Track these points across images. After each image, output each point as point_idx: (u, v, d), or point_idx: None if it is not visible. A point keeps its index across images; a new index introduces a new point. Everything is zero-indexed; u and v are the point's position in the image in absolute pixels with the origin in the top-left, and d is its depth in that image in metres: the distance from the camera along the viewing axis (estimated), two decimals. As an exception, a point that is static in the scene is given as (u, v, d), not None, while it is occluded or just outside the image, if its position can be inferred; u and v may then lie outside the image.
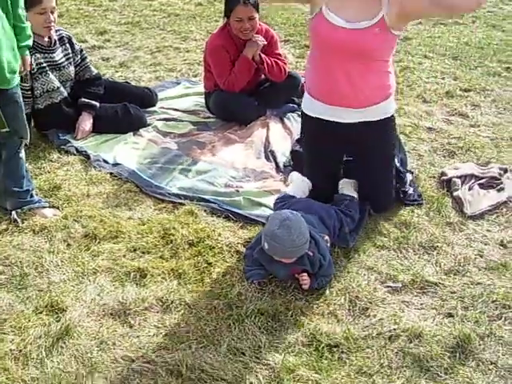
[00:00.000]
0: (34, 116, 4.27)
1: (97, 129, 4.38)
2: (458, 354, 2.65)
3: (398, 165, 3.71)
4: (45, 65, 4.15)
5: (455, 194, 3.74)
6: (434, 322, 2.84)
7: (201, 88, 5.01)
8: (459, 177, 3.86)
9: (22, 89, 3.94)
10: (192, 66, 5.81)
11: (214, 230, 3.41)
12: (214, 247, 3.29)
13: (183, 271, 3.13)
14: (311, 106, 3.42)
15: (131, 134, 4.40)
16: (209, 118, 4.70)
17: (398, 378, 2.54)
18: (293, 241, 2.90)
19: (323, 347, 2.68)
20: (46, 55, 4.18)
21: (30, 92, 4.13)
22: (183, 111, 4.78)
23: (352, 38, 3.11)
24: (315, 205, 3.34)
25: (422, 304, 2.95)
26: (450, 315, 2.88)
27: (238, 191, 3.77)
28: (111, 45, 6.34)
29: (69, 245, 3.34)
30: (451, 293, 3.02)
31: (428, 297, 3.00)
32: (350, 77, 3.20)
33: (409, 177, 3.83)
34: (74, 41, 4.44)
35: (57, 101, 4.26)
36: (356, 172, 3.54)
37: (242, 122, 4.56)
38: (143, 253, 3.28)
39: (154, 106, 4.79)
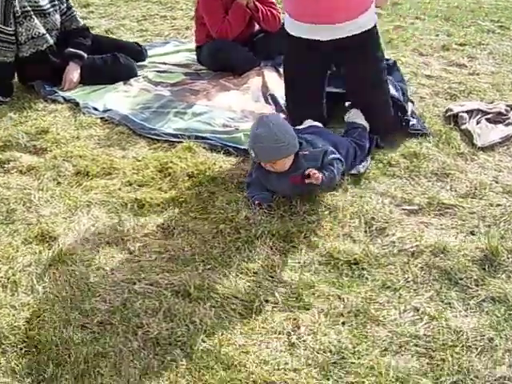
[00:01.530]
0: (19, 66, 3.94)
1: (85, 80, 4.06)
2: (486, 267, 2.38)
3: (395, 93, 3.43)
4: (29, 8, 3.83)
5: (463, 127, 3.48)
6: (457, 239, 2.55)
7: (191, 45, 4.71)
8: (466, 111, 3.59)
9: (5, 33, 3.66)
10: (180, 31, 5.50)
11: (214, 163, 3.12)
12: (215, 178, 3.00)
13: (184, 200, 2.83)
14: (292, 25, 3.24)
15: (121, 83, 4.08)
16: (201, 70, 4.39)
17: (425, 292, 2.26)
18: (275, 135, 2.65)
19: (342, 264, 2.40)
20: (31, -1, 3.86)
21: (13, 37, 3.82)
22: (174, 64, 4.47)
23: None
24: (328, 133, 3.05)
25: (441, 224, 2.67)
26: (473, 233, 2.61)
27: (237, 129, 3.46)
28: (95, 16, 6.00)
29: (59, 183, 3.02)
30: (471, 213, 2.75)
31: (447, 218, 2.72)
32: None
33: (410, 106, 3.56)
34: (59, -12, 4.12)
35: (42, 48, 3.95)
36: (348, 93, 3.35)
37: (235, 72, 4.26)
38: (140, 186, 2.97)
39: (143, 60, 4.46)
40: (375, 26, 3.25)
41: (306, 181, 2.69)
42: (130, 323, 2.10)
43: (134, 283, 2.30)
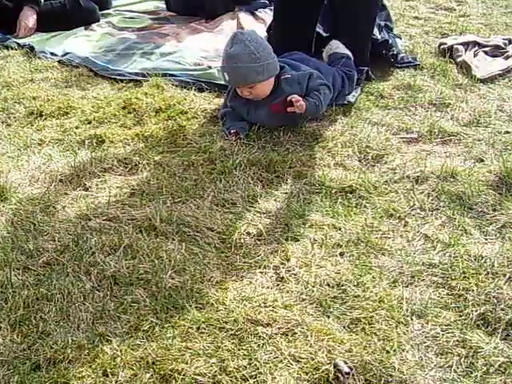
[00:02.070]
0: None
1: (42, 26, 3.59)
2: (503, 191, 2.00)
3: (378, 36, 3.03)
4: None
5: (459, 59, 3.09)
6: (465, 165, 2.15)
7: (160, -6, 4.25)
8: (461, 44, 3.19)
9: None
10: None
11: (185, 99, 2.70)
12: (186, 112, 2.58)
13: (150, 134, 2.41)
14: None
15: (82, 28, 3.62)
16: (170, 15, 3.94)
17: (436, 219, 1.87)
18: (252, 53, 2.25)
19: (335, 193, 2.00)
20: None
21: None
22: (141, 12, 4.01)
23: None
24: (312, 59, 2.63)
25: (445, 152, 2.29)
26: (482, 160, 2.21)
27: (209, 67, 3.03)
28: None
29: (8, 125, 2.59)
30: (478, 140, 2.36)
31: (451, 145, 2.34)
32: None
33: (399, 42, 3.16)
34: None
35: (-8, -10, 3.47)
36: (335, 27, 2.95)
37: (207, 16, 3.82)
38: (100, 123, 2.54)
39: (107, 8, 4.00)
40: None
41: (288, 109, 2.28)
42: (82, 262, 1.68)
43: (89, 219, 1.88)
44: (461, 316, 1.48)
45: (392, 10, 4.00)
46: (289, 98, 2.28)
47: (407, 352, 1.38)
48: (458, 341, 1.42)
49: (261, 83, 2.29)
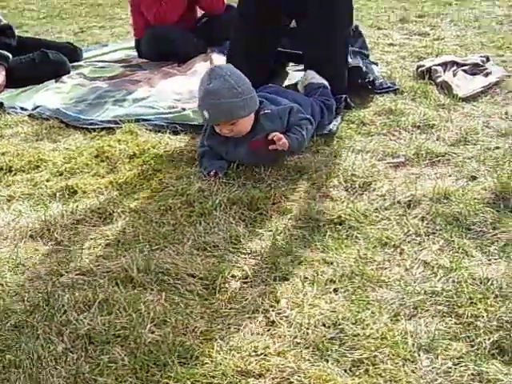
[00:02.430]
0: None
1: (11, 82, 3.48)
2: (500, 207, 1.88)
3: (351, 61, 2.95)
4: None
5: (439, 80, 3.01)
6: (458, 185, 2.02)
7: (131, 43, 4.18)
8: (439, 65, 3.11)
9: None
10: (120, 37, 4.96)
11: (159, 142, 2.57)
12: (161, 156, 2.45)
13: (125, 181, 2.27)
14: None
15: (52, 81, 3.52)
16: (142, 62, 3.85)
17: (433, 243, 1.73)
18: (233, 88, 2.13)
19: (323, 225, 1.86)
20: None
21: None
22: (113, 61, 3.92)
23: None
24: (287, 91, 2.52)
25: (436, 173, 2.17)
26: (475, 178, 2.09)
27: (184, 109, 2.92)
28: (30, 34, 5.42)
29: (-26, 183, 2.41)
30: (468, 158, 2.26)
31: (441, 166, 2.23)
32: None
33: (375, 68, 3.07)
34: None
35: (-43, 48, 3.36)
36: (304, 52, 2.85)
37: (180, 60, 3.73)
38: (72, 174, 2.40)
39: (78, 61, 3.91)
40: None
41: (270, 147, 2.15)
42: (54, 322, 1.52)
43: (61, 275, 1.73)
44: (473, 346, 1.33)
45: (366, 39, 3.94)
46: (270, 136, 2.16)
47: (418, 393, 1.23)
48: (472, 374, 1.27)
49: (242, 119, 2.17)
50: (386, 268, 1.64)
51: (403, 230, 1.81)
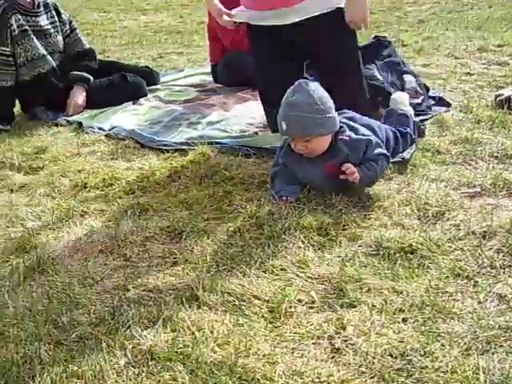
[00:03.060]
0: (19, 91, 3.50)
1: (91, 104, 3.60)
2: None
3: (379, 77, 2.88)
4: (27, 28, 3.44)
5: (519, 110, 2.89)
6: (538, 219, 1.93)
7: (207, 68, 4.25)
8: (520, 94, 3.01)
9: (1, 55, 3.25)
10: (197, 63, 5.05)
11: (231, 165, 2.57)
12: (232, 178, 2.45)
13: (195, 201, 2.28)
14: (249, 15, 2.73)
15: (130, 103, 3.61)
16: (217, 87, 3.90)
17: (509, 277, 1.66)
18: (315, 103, 2.10)
19: (394, 253, 1.81)
20: (29, 18, 3.47)
21: (11, 59, 3.40)
22: (188, 85, 3.99)
23: None
24: (364, 118, 2.48)
25: (514, 205, 2.05)
26: (557, 212, 1.97)
27: (256, 133, 2.93)
28: (112, 59, 5.60)
29: (53, 198, 2.51)
30: (551, 192, 2.12)
31: (520, 198, 2.10)
32: None
33: (410, 79, 3.00)
34: (62, 10, 3.72)
35: (43, 71, 3.52)
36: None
37: (254, 85, 3.72)
38: (144, 193, 2.43)
39: (155, 84, 4.00)
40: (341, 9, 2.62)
41: (341, 176, 2.12)
42: (118, 335, 1.52)
43: (127, 290, 1.74)
44: (550, 388, 1.25)
45: (442, 69, 3.89)
46: (343, 168, 2.12)
47: (490, 433, 1.16)
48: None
49: (319, 137, 2.15)
50: (458, 300, 1.57)
51: (477, 262, 1.74)
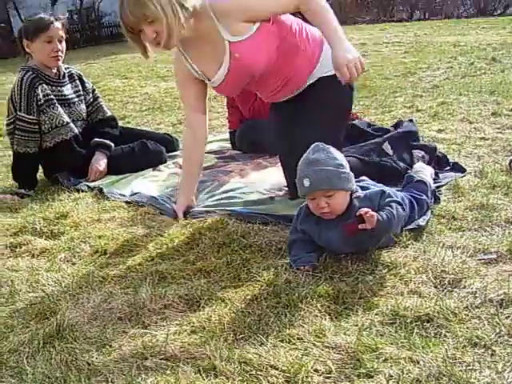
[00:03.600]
0: (42, 157, 3.60)
1: (112, 170, 3.69)
2: None
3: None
4: (53, 97, 3.56)
5: (534, 175, 2.91)
6: (556, 286, 1.93)
7: (225, 135, 4.34)
8: (534, 160, 3.04)
9: (27, 122, 3.37)
10: (216, 130, 5.15)
11: (249, 233, 2.60)
12: (251, 245, 2.48)
13: (213, 269, 2.31)
14: None
15: (150, 169, 3.69)
16: (235, 153, 3.98)
17: (528, 347, 1.62)
18: (335, 159, 2.17)
19: (411, 322, 1.81)
20: (54, 88, 3.60)
21: (36, 127, 3.51)
22: (207, 152, 4.06)
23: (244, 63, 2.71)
24: (378, 184, 2.52)
25: (531, 272, 2.05)
26: None
27: (272, 198, 2.98)
28: (131, 125, 5.75)
29: (73, 263, 2.56)
30: None
31: (537, 265, 2.10)
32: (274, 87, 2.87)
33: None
34: (85, 79, 3.86)
35: (67, 137, 3.63)
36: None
37: (272, 152, 3.80)
38: (163, 260, 2.47)
39: (175, 150, 4.09)
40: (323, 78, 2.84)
41: (360, 226, 2.14)
42: (136, 406, 1.52)
43: (146, 358, 1.75)
44: None
45: (456, 134, 3.94)
46: (359, 212, 2.15)
47: None
48: None
49: (341, 193, 2.18)
50: (475, 370, 1.57)
51: (495, 330, 1.73)
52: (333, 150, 2.22)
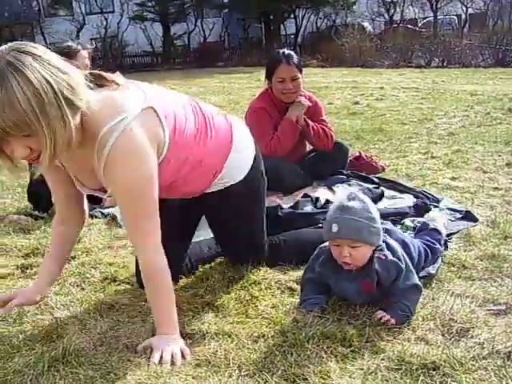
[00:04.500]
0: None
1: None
2: None
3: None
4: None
5: (547, 228, 2.91)
6: None
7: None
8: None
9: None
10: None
11: (259, 270, 2.61)
12: (259, 282, 2.49)
13: (221, 304, 2.32)
14: None
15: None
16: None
17: (533, 402, 1.61)
18: (368, 211, 2.13)
19: (417, 369, 1.80)
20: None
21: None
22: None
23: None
24: (398, 232, 2.51)
25: (540, 326, 2.04)
26: None
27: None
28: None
29: (82, 288, 2.57)
30: None
31: (546, 319, 2.09)
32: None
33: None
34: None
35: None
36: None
37: (286, 190, 3.83)
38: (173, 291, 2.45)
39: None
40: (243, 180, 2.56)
41: (376, 318, 2.13)
42: None
43: (150, 389, 1.74)
44: None
45: (470, 182, 3.94)
46: (378, 316, 2.12)
47: None
48: None
49: (366, 246, 2.15)
50: (480, 423, 1.55)
51: (501, 382, 1.72)
52: (367, 200, 2.18)
